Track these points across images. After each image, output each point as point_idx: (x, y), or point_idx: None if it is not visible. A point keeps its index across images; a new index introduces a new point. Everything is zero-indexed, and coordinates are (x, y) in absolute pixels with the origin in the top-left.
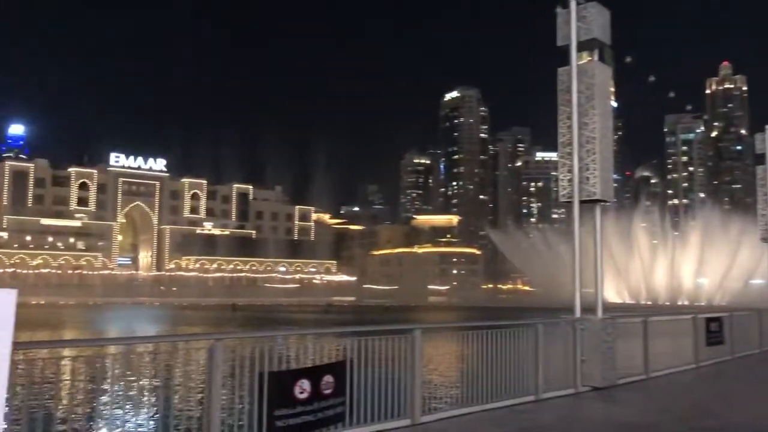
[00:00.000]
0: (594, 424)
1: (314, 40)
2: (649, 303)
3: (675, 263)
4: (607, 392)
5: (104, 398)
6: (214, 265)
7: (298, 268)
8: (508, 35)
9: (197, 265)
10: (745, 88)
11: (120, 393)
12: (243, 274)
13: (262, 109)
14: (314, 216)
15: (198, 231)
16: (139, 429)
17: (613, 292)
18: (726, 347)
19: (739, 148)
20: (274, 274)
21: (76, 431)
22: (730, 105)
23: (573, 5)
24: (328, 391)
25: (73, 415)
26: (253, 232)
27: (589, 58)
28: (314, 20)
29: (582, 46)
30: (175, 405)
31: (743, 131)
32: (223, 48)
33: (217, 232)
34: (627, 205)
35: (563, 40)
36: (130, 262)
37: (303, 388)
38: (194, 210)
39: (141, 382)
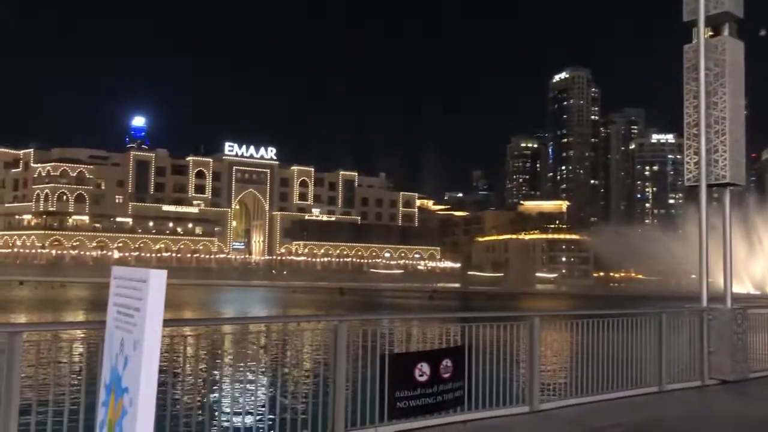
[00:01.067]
0: (722, 418)
1: (421, 21)
2: None
3: None
4: (738, 386)
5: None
6: (322, 251)
7: (403, 254)
8: (620, 13)
9: (306, 250)
10: None
11: (256, 369)
12: (349, 260)
13: (369, 97)
14: (418, 202)
15: (306, 217)
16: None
17: (735, 282)
18: None
19: None
20: (379, 260)
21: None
22: None
23: None
24: (447, 375)
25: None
26: (359, 218)
27: (718, 34)
28: (421, 2)
29: (710, 21)
30: (301, 382)
31: None
32: (334, 34)
33: (324, 218)
34: (752, 189)
35: (690, 15)
36: (243, 247)
37: (423, 371)
38: (303, 197)
39: (269, 360)
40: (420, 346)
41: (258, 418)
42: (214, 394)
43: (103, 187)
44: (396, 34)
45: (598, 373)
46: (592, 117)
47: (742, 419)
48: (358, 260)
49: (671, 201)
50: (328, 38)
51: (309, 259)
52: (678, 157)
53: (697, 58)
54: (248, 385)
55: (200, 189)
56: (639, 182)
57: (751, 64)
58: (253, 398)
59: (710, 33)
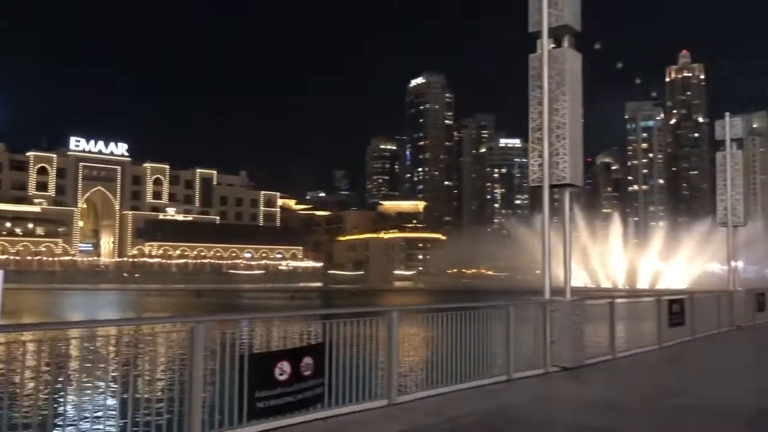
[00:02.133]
0: (563, 402)
1: (281, 22)
2: (609, 286)
3: (634, 248)
4: (576, 372)
5: (84, 381)
6: (178, 252)
7: (264, 255)
8: (474, 22)
9: (160, 252)
10: (702, 77)
11: (93, 377)
12: (207, 261)
13: (228, 94)
14: (280, 201)
15: (161, 216)
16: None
17: (574, 276)
18: (687, 328)
19: (696, 135)
20: (239, 261)
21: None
22: (688, 93)
23: None
24: (307, 373)
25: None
26: (218, 217)
27: (559, 45)
28: (280, 3)
29: (553, 33)
30: (156, 387)
31: (700, 119)
32: (191, 28)
33: (180, 217)
34: (589, 191)
35: (534, 27)
36: (91, 249)
37: (283, 370)
38: (157, 195)
39: (117, 366)
40: (281, 346)
41: (109, 425)
42: (59, 404)
43: None
44: (262, 31)
45: (453, 365)
46: (447, 121)
47: (579, 402)
48: (216, 261)
49: (518, 202)
50: (190, 28)
51: (164, 260)
52: (524, 160)
53: (541, 67)
54: (97, 393)
55: (42, 186)
56: (489, 184)
57: (589, 74)
58: (103, 406)
59: (553, 45)
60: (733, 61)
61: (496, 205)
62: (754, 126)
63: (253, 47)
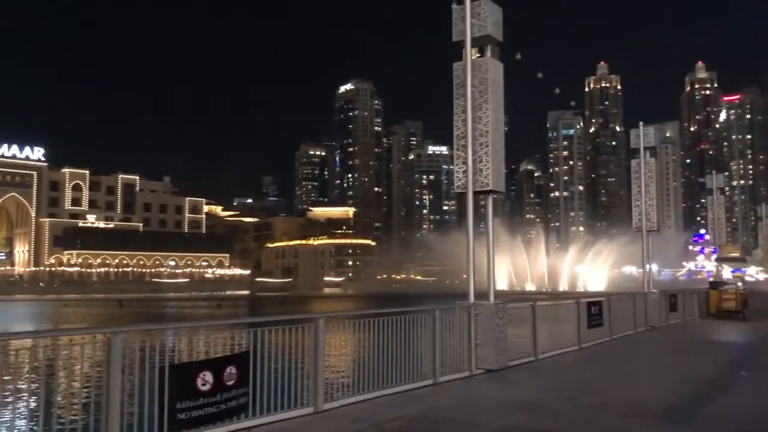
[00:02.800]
0: (487, 403)
1: (210, 24)
2: (533, 290)
3: (554, 253)
4: (500, 374)
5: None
6: (99, 260)
7: (189, 262)
8: (402, 30)
9: (80, 260)
10: (619, 87)
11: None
12: (130, 269)
13: (152, 98)
14: (206, 208)
15: (81, 224)
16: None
17: (500, 280)
18: (605, 329)
19: (614, 143)
20: (163, 269)
21: None
22: (606, 103)
23: (468, 1)
24: (231, 382)
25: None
26: (141, 224)
27: (482, 55)
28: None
29: (476, 42)
30: (71, 401)
31: (618, 128)
32: (116, 27)
33: (101, 225)
34: (513, 198)
35: (458, 36)
36: (4, 258)
37: (206, 380)
38: (76, 202)
39: (30, 380)
40: (207, 355)
41: None
42: None
43: None
44: (185, 30)
45: (380, 370)
46: (376, 128)
47: (502, 403)
48: (140, 270)
49: (445, 207)
50: (109, 30)
51: (84, 269)
52: (451, 167)
53: (465, 75)
54: (9, 408)
55: None
56: (417, 190)
57: (513, 84)
58: (16, 422)
59: (477, 54)
60: (647, 73)
61: (425, 211)
62: (668, 135)
63: (182, 49)
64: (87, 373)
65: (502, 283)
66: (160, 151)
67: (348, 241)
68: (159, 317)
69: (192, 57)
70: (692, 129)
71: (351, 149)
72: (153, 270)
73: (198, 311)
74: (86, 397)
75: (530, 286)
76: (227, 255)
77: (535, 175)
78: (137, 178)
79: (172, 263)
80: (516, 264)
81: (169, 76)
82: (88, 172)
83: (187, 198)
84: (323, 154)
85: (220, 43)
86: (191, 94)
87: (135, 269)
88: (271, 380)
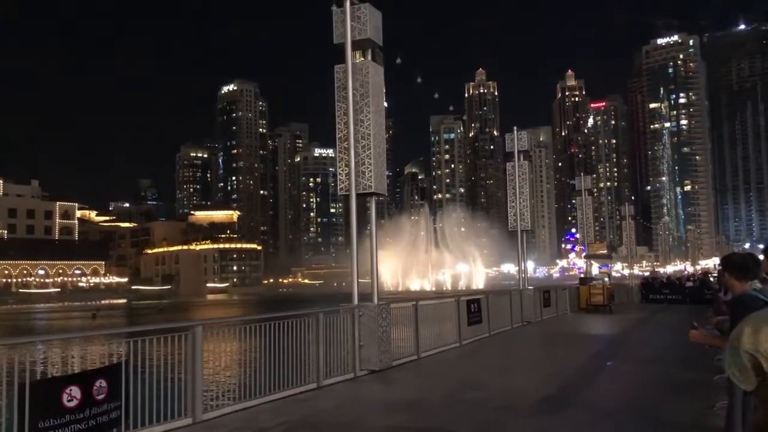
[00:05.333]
0: (370, 404)
1: (81, 20)
2: (418, 289)
3: (439, 253)
4: (383, 374)
5: None
6: None
7: (61, 271)
8: (286, 31)
9: None
10: (496, 93)
11: None
12: None
13: (19, 92)
14: (79, 213)
15: None
16: None
17: (388, 281)
18: (484, 326)
19: (492, 147)
20: (31, 279)
21: None
22: (484, 108)
23: (347, 5)
24: (101, 397)
25: None
26: (5, 231)
27: (363, 58)
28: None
29: (356, 46)
30: None
31: (495, 132)
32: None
33: None
34: (398, 200)
35: (339, 39)
36: None
37: (72, 395)
38: None
39: None
40: (77, 368)
41: None
42: None
43: None
44: (68, 33)
45: (263, 376)
46: (261, 130)
47: (385, 403)
48: (5, 280)
49: (333, 210)
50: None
51: None
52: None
53: (346, 78)
54: None
55: None
56: (304, 193)
57: (397, 89)
58: None
59: (361, 58)
60: (523, 80)
61: (312, 214)
62: (541, 139)
63: (56, 46)
64: None
65: (391, 284)
66: (27, 152)
67: (232, 245)
68: (26, 330)
69: (66, 52)
70: (563, 134)
71: (235, 151)
72: (20, 280)
73: (72, 322)
74: None
75: (416, 286)
76: (103, 262)
77: (419, 177)
78: (0, 181)
79: (42, 272)
80: (402, 265)
81: (40, 72)
82: None
83: (58, 203)
84: (205, 156)
85: (95, 40)
86: (62, 91)
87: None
88: (146, 392)
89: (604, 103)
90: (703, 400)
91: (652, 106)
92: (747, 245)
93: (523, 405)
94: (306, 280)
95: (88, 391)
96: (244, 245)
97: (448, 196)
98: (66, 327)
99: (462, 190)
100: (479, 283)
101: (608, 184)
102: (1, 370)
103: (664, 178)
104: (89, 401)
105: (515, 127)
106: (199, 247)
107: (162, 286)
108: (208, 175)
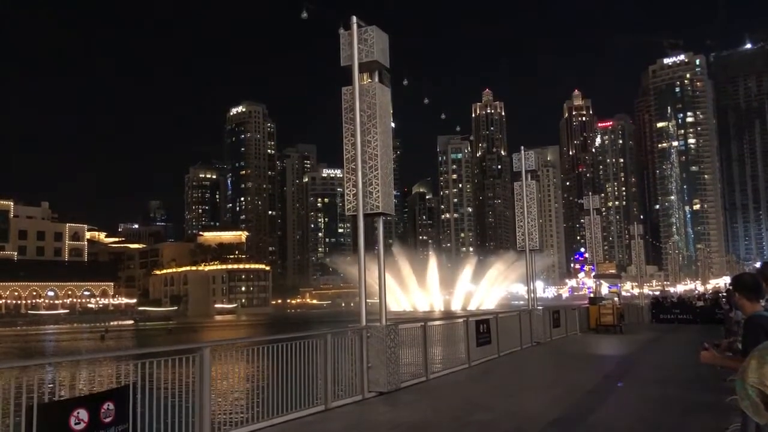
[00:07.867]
0: (377, 427)
1: (97, 42)
2: (427, 310)
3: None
4: (392, 396)
5: None
6: None
7: (70, 292)
8: (294, 53)
9: None
10: (503, 113)
11: None
12: (3, 301)
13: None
14: (88, 234)
15: None
16: None
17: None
18: (493, 346)
19: (499, 167)
20: (41, 300)
21: None
22: (491, 128)
23: (354, 28)
24: (108, 420)
25: None
26: (15, 253)
27: (370, 80)
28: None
29: (363, 68)
30: None
31: (502, 152)
32: None
33: None
34: (406, 220)
35: (346, 61)
36: None
37: (80, 419)
38: None
39: None
40: (83, 391)
41: None
42: None
43: None
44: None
45: (271, 399)
46: (269, 151)
47: (393, 425)
48: (15, 301)
49: (341, 230)
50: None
51: None
52: None
53: (353, 100)
54: None
55: None
56: (312, 213)
57: (404, 110)
58: None
59: (368, 79)
60: (530, 100)
61: (320, 234)
62: (549, 159)
63: (65, 64)
64: None
65: (403, 305)
66: (38, 174)
67: (241, 266)
68: (36, 352)
69: (76, 76)
70: (571, 153)
71: (243, 172)
72: (30, 302)
73: (80, 344)
74: None
75: (425, 307)
76: (111, 283)
77: (427, 197)
78: (11, 203)
79: (51, 294)
80: (411, 285)
81: (51, 96)
82: None
83: (68, 224)
84: (214, 177)
85: (104, 64)
86: (75, 115)
87: (9, 301)
88: (153, 415)
89: (611, 123)
90: (715, 421)
91: (659, 125)
92: (758, 264)
93: (532, 427)
94: (314, 301)
95: (95, 413)
96: (253, 266)
97: (456, 215)
98: (75, 348)
99: (470, 210)
100: (491, 303)
101: (617, 203)
102: (9, 392)
103: (672, 197)
104: (97, 424)
105: (522, 147)
106: (207, 268)
107: (170, 307)
108: (217, 196)
